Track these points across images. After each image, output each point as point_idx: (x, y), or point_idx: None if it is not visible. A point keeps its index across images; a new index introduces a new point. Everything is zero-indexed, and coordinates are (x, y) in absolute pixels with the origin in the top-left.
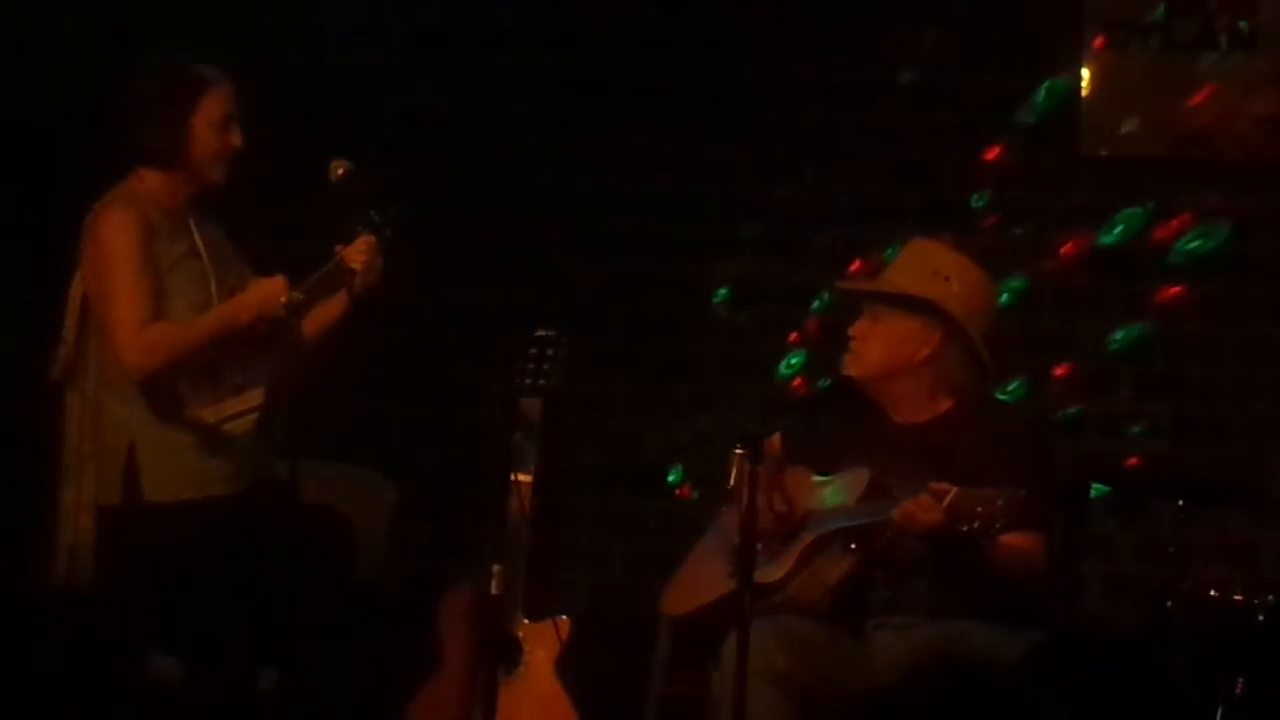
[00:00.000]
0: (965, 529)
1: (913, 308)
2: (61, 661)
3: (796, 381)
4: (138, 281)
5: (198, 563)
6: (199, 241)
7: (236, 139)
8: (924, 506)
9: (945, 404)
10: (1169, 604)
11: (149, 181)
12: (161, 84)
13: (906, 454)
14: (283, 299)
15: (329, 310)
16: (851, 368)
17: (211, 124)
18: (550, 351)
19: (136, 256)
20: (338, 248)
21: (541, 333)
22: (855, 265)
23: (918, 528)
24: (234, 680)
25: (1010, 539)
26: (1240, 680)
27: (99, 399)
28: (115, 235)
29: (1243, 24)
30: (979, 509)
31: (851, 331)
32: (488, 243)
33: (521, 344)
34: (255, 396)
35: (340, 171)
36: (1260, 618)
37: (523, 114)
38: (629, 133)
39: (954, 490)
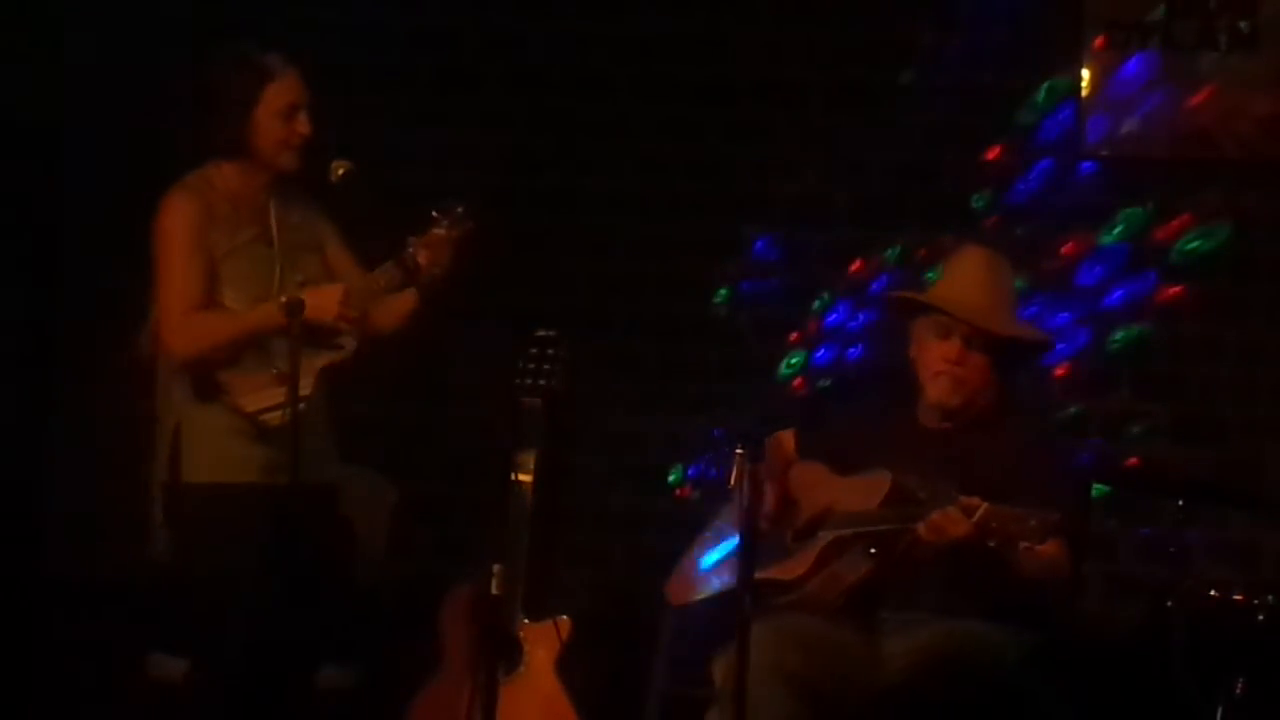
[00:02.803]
0: (992, 544)
1: (992, 348)
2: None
3: (797, 382)
4: (188, 267)
5: (217, 550)
6: (274, 228)
7: (304, 126)
8: (953, 520)
9: (970, 413)
10: (1169, 604)
11: (224, 169)
12: (225, 75)
13: (930, 459)
14: (299, 301)
15: (399, 305)
16: (956, 397)
17: (276, 113)
18: (550, 351)
19: (188, 242)
20: (410, 239)
21: (541, 333)
22: (855, 265)
23: (945, 539)
24: (234, 678)
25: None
26: (1240, 680)
27: (165, 381)
28: (171, 221)
29: (1243, 24)
30: (1011, 527)
31: (951, 358)
32: (488, 243)
33: (521, 344)
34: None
35: (340, 171)
36: (1260, 618)
37: (523, 114)
38: (629, 133)
39: (984, 506)
